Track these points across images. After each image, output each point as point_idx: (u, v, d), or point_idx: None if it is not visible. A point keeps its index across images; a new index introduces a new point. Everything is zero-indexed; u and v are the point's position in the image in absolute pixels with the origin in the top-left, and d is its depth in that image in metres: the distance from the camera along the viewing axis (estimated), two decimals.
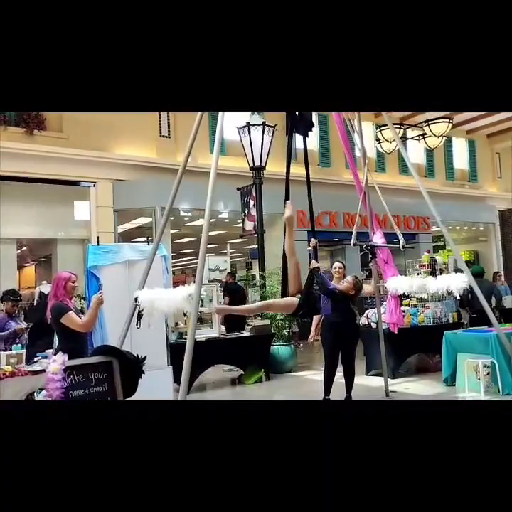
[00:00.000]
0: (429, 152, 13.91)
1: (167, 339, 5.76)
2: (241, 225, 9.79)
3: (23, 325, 5.52)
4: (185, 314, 8.37)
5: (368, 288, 5.76)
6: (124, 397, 2.19)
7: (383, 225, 6.51)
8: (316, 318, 5.47)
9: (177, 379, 6.27)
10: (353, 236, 5.72)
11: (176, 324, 7.99)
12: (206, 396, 6.56)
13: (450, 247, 8.00)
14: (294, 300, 4.57)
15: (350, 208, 10.92)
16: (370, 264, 7.33)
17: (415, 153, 13.75)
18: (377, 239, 5.65)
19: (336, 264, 5.58)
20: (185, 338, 7.16)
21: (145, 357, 2.27)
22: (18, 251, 10.39)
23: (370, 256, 5.76)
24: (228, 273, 10.50)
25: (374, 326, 6.65)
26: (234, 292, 8.86)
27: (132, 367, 2.24)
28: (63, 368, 2.05)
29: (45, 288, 9.52)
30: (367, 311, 7.21)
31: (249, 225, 8.93)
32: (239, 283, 9.97)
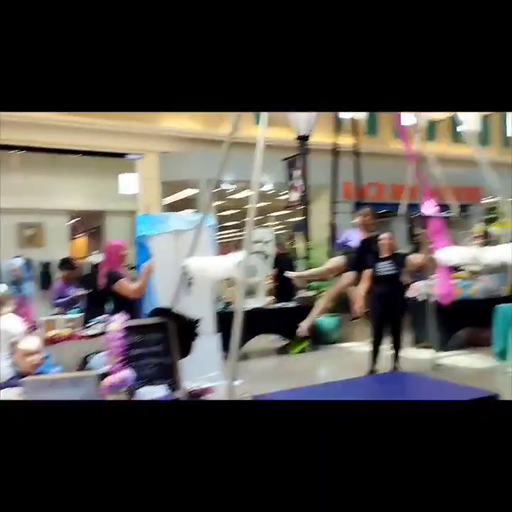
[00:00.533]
0: (484, 118, 13.22)
1: (214, 307, 5.86)
2: (285, 196, 9.72)
3: (81, 292, 5.74)
4: (230, 286, 8.51)
5: (416, 259, 5.62)
6: (180, 357, 2.25)
7: (434, 195, 6.28)
8: (363, 289, 5.40)
9: (224, 347, 6.42)
10: (402, 207, 5.58)
11: (221, 296, 8.12)
12: (251, 365, 6.67)
13: (505, 218, 7.66)
14: (349, 275, 4.70)
15: (398, 178, 10.60)
16: (418, 236, 7.14)
17: (469, 120, 13.10)
18: (429, 209, 5.47)
19: (383, 235, 5.46)
20: (231, 308, 7.30)
21: (199, 319, 2.32)
22: (70, 222, 10.75)
23: (419, 227, 5.60)
24: (277, 244, 10.38)
25: (423, 298, 6.51)
26: (282, 263, 8.77)
27: (187, 329, 2.29)
28: (123, 327, 2.12)
29: (96, 258, 9.84)
30: (415, 283, 7.05)
31: (294, 197, 8.86)
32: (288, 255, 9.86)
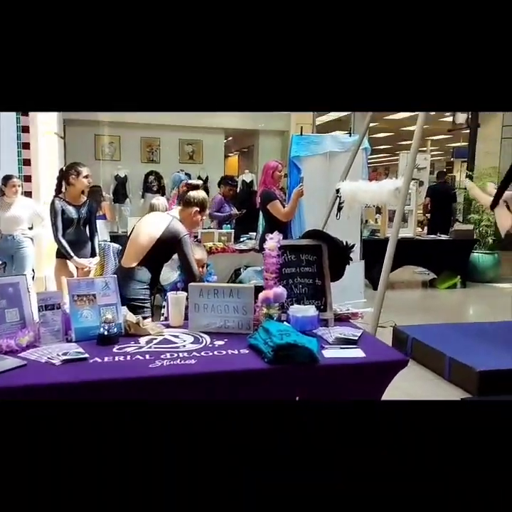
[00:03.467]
0: None
1: (361, 234, 5.76)
2: (447, 119, 8.81)
3: (237, 211, 6.05)
4: (378, 212, 8.22)
5: None
6: (331, 280, 2.28)
7: None
8: None
9: (367, 274, 6.36)
10: None
11: (366, 222, 7.92)
12: (395, 294, 6.56)
13: None
14: None
15: None
16: None
17: None
18: None
19: None
20: (377, 236, 7.11)
21: (353, 245, 2.29)
22: (225, 141, 11.17)
23: None
24: (438, 172, 9.58)
25: None
26: (437, 194, 8.15)
27: (341, 253, 2.28)
28: (278, 246, 2.20)
29: (247, 177, 10.22)
30: None
31: (461, 118, 7.97)
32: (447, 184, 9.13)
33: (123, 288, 2.30)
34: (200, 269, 2.76)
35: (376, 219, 8.10)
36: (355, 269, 5.45)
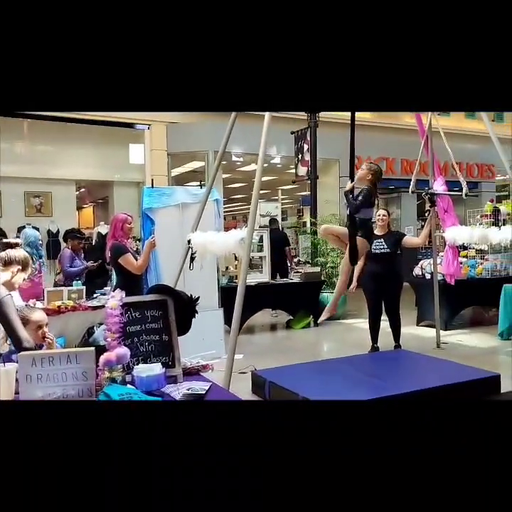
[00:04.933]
0: None
1: (218, 282, 5.86)
2: (294, 170, 9.60)
3: (93, 263, 5.76)
4: (236, 258, 8.49)
5: (414, 240, 5.56)
6: (179, 335, 2.26)
7: (444, 172, 6.18)
8: (358, 267, 5.35)
9: (227, 321, 6.45)
10: (411, 183, 5.48)
11: (227, 268, 8.11)
12: (255, 338, 6.73)
13: None
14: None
15: (409, 153, 10.42)
16: (426, 214, 7.07)
17: None
18: (438, 186, 5.38)
19: (381, 211, 5.37)
20: (235, 282, 7.30)
21: (198, 297, 2.31)
22: (77, 192, 10.73)
23: (429, 204, 5.53)
24: (270, 219, 10.04)
25: (428, 276, 6.47)
26: (275, 239, 8.51)
27: (186, 306, 2.28)
28: (121, 304, 2.12)
29: (103, 229, 9.85)
30: (421, 262, 7.00)
31: (302, 171, 8.74)
32: (287, 230, 9.70)
33: None
34: (41, 330, 2.52)
35: (236, 265, 8.32)
36: (214, 317, 5.51)
